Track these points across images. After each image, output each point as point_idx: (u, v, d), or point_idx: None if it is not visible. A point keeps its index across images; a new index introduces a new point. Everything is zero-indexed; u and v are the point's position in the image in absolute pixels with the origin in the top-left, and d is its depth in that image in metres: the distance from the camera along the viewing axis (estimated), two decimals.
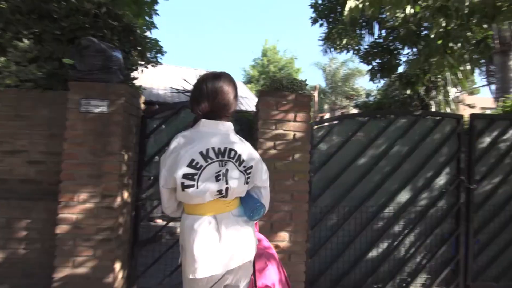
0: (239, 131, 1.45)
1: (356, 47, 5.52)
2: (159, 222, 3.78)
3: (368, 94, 9.52)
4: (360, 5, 2.92)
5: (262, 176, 1.33)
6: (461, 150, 2.80)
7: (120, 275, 2.34)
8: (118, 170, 2.26)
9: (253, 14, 72.95)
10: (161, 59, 4.09)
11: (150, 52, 3.86)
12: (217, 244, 1.17)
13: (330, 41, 5.39)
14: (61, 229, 2.19)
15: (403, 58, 4.89)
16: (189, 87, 6.86)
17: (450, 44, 3.09)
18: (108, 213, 2.22)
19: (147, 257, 2.62)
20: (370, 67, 5.56)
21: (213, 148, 1.20)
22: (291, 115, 2.33)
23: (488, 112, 5.09)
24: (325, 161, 2.62)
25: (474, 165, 2.80)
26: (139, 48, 3.31)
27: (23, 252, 2.33)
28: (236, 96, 1.30)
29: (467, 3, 2.64)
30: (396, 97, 6.19)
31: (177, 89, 6.90)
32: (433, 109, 5.84)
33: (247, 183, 1.27)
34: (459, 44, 3.07)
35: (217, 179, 1.19)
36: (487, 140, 2.88)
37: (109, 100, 2.27)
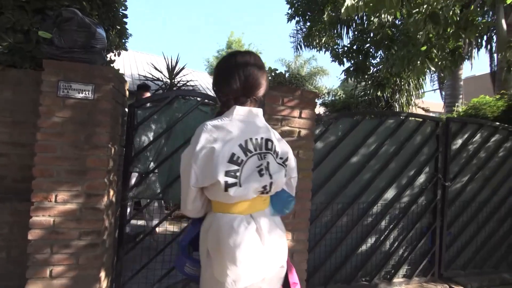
0: None
1: (334, 47, 5.66)
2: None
3: (334, 94, 9.87)
4: (356, 5, 2.93)
5: (295, 167, 1.25)
6: (439, 150, 3.01)
7: (105, 284, 2.06)
8: (105, 166, 1.96)
9: (218, 4, 71.09)
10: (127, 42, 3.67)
11: (126, 34, 3.46)
12: (260, 247, 1.02)
13: (310, 38, 5.43)
14: (34, 234, 1.84)
15: (376, 61, 5.13)
16: (158, 75, 6.42)
17: (434, 51, 3.30)
18: (94, 215, 1.92)
19: (134, 261, 2.35)
20: (346, 66, 5.73)
21: (251, 139, 1.04)
22: (296, 112, 2.25)
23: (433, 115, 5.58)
24: (321, 159, 2.61)
25: (449, 164, 3.03)
26: (119, 27, 2.93)
27: None
28: (267, 78, 1.15)
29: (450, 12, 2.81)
30: (362, 98, 6.51)
31: (145, 76, 6.41)
32: (397, 110, 6.25)
33: (285, 176, 1.14)
34: (439, 52, 3.30)
35: (260, 173, 1.03)
36: (459, 141, 3.13)
37: (95, 84, 1.95)
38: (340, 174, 2.67)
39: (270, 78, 2.26)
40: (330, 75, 19.88)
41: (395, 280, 2.81)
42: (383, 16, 3.02)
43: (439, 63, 3.38)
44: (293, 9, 6.35)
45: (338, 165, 2.67)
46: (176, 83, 6.56)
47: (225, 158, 0.98)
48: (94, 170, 1.93)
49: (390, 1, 2.70)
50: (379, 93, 5.19)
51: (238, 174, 1.00)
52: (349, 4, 2.95)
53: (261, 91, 1.11)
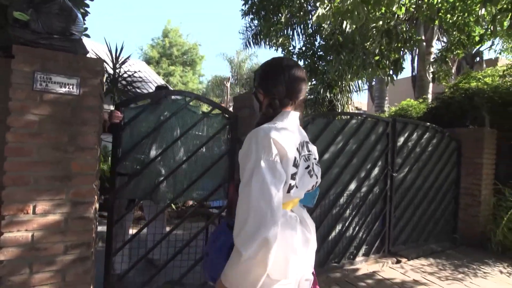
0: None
1: (288, 47, 5.93)
2: None
3: None
4: (327, 14, 3.17)
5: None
6: (388, 146, 3.51)
7: None
8: (93, 170, 1.75)
9: None
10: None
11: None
12: (308, 238, 1.05)
13: (268, 38, 5.57)
14: (8, 254, 1.54)
15: (324, 64, 5.59)
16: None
17: (383, 61, 3.80)
18: (82, 225, 1.71)
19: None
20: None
21: (301, 143, 1.06)
22: None
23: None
24: None
25: (395, 158, 3.57)
26: (83, 11, 2.56)
27: None
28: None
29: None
30: (308, 97, 7.01)
31: None
32: (339, 109, 6.92)
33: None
34: (387, 62, 3.82)
35: (310, 174, 1.08)
36: (402, 139, 3.71)
37: (80, 77, 1.71)
38: None
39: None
40: None
41: (357, 259, 3.21)
42: (344, 25, 3.34)
43: (385, 71, 3.93)
44: (247, 6, 6.39)
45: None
46: (121, 74, 5.96)
47: (291, 161, 0.99)
48: (81, 175, 1.71)
49: (356, 15, 3.01)
50: (327, 94, 5.70)
51: (295, 176, 1.02)
52: (321, 13, 3.17)
53: (303, 95, 1.14)
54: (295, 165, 1.01)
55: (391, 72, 3.98)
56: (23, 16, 1.54)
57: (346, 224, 3.17)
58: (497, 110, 4.28)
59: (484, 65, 9.30)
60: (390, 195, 3.51)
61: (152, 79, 8.52)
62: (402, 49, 3.54)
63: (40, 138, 1.62)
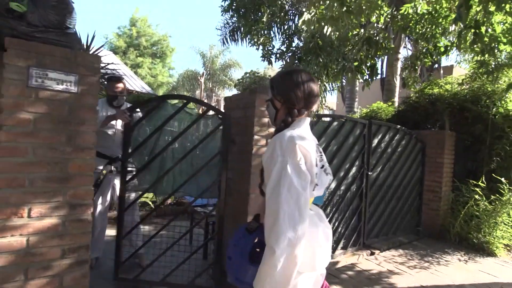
0: None
1: (268, 47, 6.02)
2: None
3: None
4: (312, 19, 3.32)
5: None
6: (365, 147, 3.78)
7: None
8: (91, 170, 1.71)
9: None
10: None
11: None
12: (328, 235, 1.17)
13: (250, 36, 5.61)
14: (1, 260, 1.46)
15: (304, 65, 5.79)
16: None
17: (362, 67, 4.05)
18: (80, 228, 1.66)
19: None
20: (273, 66, 6.18)
21: (317, 146, 1.20)
22: None
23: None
24: None
25: (370, 158, 3.85)
26: None
27: None
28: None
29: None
30: None
31: None
32: (314, 109, 7.19)
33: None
34: (364, 67, 4.09)
35: (326, 173, 1.19)
36: (375, 140, 4.00)
37: (78, 74, 1.65)
38: None
39: (256, 82, 2.36)
40: (243, 69, 20.60)
41: (336, 252, 3.43)
42: (325, 30, 3.51)
43: (363, 75, 4.20)
44: (227, 2, 6.37)
45: None
46: None
47: (314, 163, 1.09)
48: (79, 175, 1.66)
49: (340, 23, 3.19)
50: None
51: (317, 175, 1.13)
52: (306, 19, 3.30)
53: (316, 105, 1.27)
54: (316, 165, 1.12)
55: (367, 77, 4.27)
56: (20, 7, 1.45)
57: (327, 220, 3.37)
58: (456, 114, 4.78)
59: (442, 72, 10.21)
60: (366, 192, 3.78)
61: (123, 72, 8.12)
62: (377, 55, 3.83)
63: (35, 138, 1.54)
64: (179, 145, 2.52)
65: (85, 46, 5.57)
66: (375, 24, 3.74)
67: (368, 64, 4.03)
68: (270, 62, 6.62)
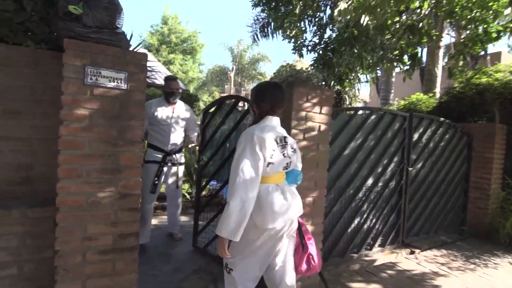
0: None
1: (300, 39, 5.90)
2: None
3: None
4: (349, 8, 3.18)
5: (300, 155, 1.79)
6: (405, 141, 3.59)
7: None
8: (139, 163, 1.80)
9: None
10: None
11: None
12: (285, 203, 1.55)
13: (282, 29, 5.54)
14: (63, 244, 1.60)
15: (338, 56, 5.60)
16: None
17: (404, 56, 3.83)
18: (130, 216, 1.76)
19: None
20: (305, 58, 6.05)
21: (278, 136, 1.58)
22: (317, 108, 2.40)
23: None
24: None
25: (410, 153, 3.65)
26: None
27: None
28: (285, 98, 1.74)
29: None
30: None
31: None
32: (346, 102, 6.96)
33: (296, 159, 1.70)
34: (405, 56, 3.86)
35: (284, 155, 1.58)
36: (416, 134, 3.78)
37: (127, 72, 1.73)
38: (337, 165, 2.96)
39: (292, 74, 2.34)
40: (272, 62, 20.47)
41: (374, 249, 3.33)
42: (362, 19, 3.35)
43: (403, 65, 3.97)
44: None
45: (336, 157, 2.96)
46: None
47: (269, 147, 1.51)
48: (129, 168, 1.75)
49: (379, 11, 3.02)
50: (339, 87, 5.74)
51: (273, 157, 1.53)
52: (342, 8, 3.17)
53: (281, 106, 1.68)
54: (273, 149, 1.53)
55: (407, 67, 4.02)
56: (77, 10, 1.54)
57: (364, 217, 3.27)
58: (507, 106, 4.37)
59: (489, 59, 9.37)
60: (405, 189, 3.61)
61: (159, 69, 8.43)
62: (421, 44, 3.58)
63: (91, 132, 1.65)
64: (233, 139, 2.83)
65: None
66: (418, 10, 3.49)
67: (409, 53, 3.78)
68: (301, 55, 6.49)
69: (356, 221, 3.20)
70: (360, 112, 3.39)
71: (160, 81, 11.04)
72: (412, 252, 3.48)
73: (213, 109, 3.16)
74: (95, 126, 1.66)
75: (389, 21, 3.93)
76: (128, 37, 5.98)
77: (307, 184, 2.37)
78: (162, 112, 3.00)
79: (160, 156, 2.97)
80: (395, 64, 3.99)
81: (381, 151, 3.38)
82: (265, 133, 1.51)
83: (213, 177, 3.05)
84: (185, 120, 3.16)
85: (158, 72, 9.29)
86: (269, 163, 1.52)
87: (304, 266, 1.64)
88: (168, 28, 21.86)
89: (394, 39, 3.47)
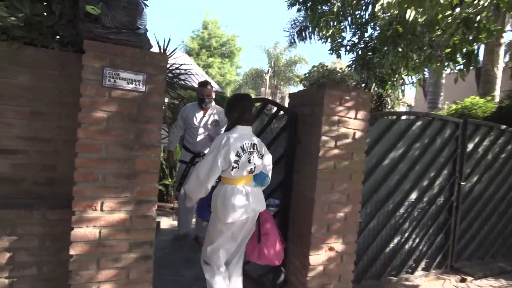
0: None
1: (338, 39, 5.57)
2: None
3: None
4: (392, 2, 2.84)
5: (269, 159, 1.98)
6: (457, 151, 3.12)
7: None
8: (156, 168, 1.71)
9: None
10: None
11: None
12: (246, 203, 1.79)
13: (318, 28, 5.28)
14: (77, 249, 1.56)
15: (379, 56, 5.16)
16: None
17: (457, 54, 3.36)
18: (145, 224, 1.68)
19: None
20: (342, 59, 5.69)
21: (246, 143, 1.79)
22: (352, 113, 2.14)
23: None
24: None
25: (464, 164, 3.16)
26: None
27: (7, 283, 1.59)
28: (254, 108, 1.95)
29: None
30: None
31: None
32: (389, 106, 6.41)
33: (262, 164, 1.90)
34: (457, 54, 3.38)
35: (249, 162, 1.80)
36: (471, 143, 3.27)
37: (146, 74, 1.66)
38: (375, 176, 2.64)
39: (324, 75, 2.11)
40: (309, 64, 20.03)
41: (416, 273, 2.92)
42: (408, 15, 2.97)
43: (456, 65, 3.48)
44: None
45: (373, 167, 2.63)
46: (169, 66, 6.05)
47: (234, 153, 1.73)
48: (145, 173, 1.67)
49: (428, 3, 2.64)
50: (380, 90, 5.29)
51: (238, 162, 1.76)
52: (385, 3, 2.84)
53: (249, 115, 1.88)
54: (238, 155, 1.75)
55: (461, 66, 3.51)
56: (95, 10, 1.50)
57: (406, 236, 2.89)
58: None
59: None
60: (456, 206, 3.13)
61: (195, 71, 8.60)
62: (478, 40, 3.08)
63: (108, 135, 1.59)
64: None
65: (162, 50, 6.04)
66: (475, 1, 3.01)
67: (463, 51, 3.28)
68: (339, 56, 6.11)
69: (395, 240, 2.83)
70: (404, 117, 3.02)
71: (197, 84, 11.38)
72: (463, 280, 3.00)
73: None
74: (112, 129, 1.60)
75: (440, 15, 3.47)
76: (167, 42, 6.07)
77: (339, 197, 2.11)
78: (194, 115, 3.11)
79: (189, 157, 3.07)
80: (446, 63, 3.50)
81: (428, 162, 2.97)
82: (231, 142, 1.74)
83: None
84: (218, 124, 3.16)
85: (195, 75, 9.51)
86: (233, 167, 1.74)
87: (255, 255, 1.92)
88: (208, 33, 22.50)
89: (445, 36, 3.03)
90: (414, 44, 4.89)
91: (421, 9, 2.81)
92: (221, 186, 1.81)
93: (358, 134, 2.16)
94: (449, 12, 2.93)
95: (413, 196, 2.91)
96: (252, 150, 1.79)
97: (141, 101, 1.65)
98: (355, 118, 2.15)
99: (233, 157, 1.71)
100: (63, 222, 1.65)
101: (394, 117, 2.86)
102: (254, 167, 1.81)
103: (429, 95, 7.77)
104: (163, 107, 1.76)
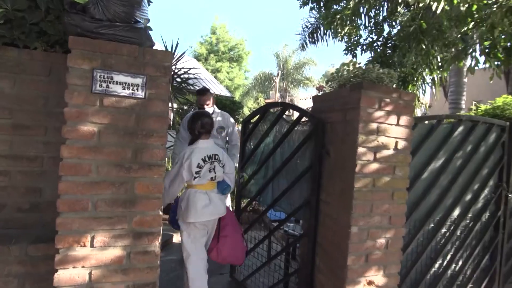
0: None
1: (355, 37, 5.19)
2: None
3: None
4: None
5: (231, 168, 2.14)
6: (504, 158, 2.69)
7: None
8: (159, 192, 1.37)
9: None
10: None
11: None
12: (208, 205, 1.96)
13: (333, 27, 4.92)
14: None
15: (400, 55, 4.76)
16: None
17: (498, 48, 2.94)
18: (146, 262, 1.35)
19: None
20: (357, 59, 5.30)
21: (207, 155, 1.97)
22: (393, 118, 1.77)
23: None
24: None
25: (511, 174, 2.73)
26: None
27: None
28: (212, 122, 2.10)
29: None
30: None
31: None
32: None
33: (223, 172, 2.07)
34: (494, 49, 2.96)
35: (209, 171, 1.98)
36: None
37: (146, 76, 1.33)
38: (412, 194, 2.24)
39: (357, 74, 1.76)
40: (318, 66, 19.56)
41: None
42: (435, 6, 2.59)
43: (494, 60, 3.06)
44: None
45: (411, 182, 2.23)
46: (177, 71, 5.79)
47: (195, 164, 1.92)
48: (146, 198, 1.34)
49: None
50: (402, 89, 4.88)
51: (200, 172, 1.94)
52: None
53: (210, 131, 2.08)
54: (199, 166, 1.94)
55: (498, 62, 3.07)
56: None
57: (448, 258, 2.47)
58: None
59: None
60: (503, 222, 2.70)
61: (203, 76, 8.33)
62: None
63: (99, 153, 1.27)
64: (278, 154, 2.32)
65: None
66: None
67: (502, 45, 2.86)
68: (354, 55, 5.72)
69: (437, 265, 2.42)
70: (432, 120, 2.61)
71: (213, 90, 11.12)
72: None
73: (255, 118, 2.64)
74: (105, 146, 1.28)
75: (475, 6, 3.06)
76: (174, 45, 5.79)
77: (379, 221, 1.74)
78: None
79: None
80: (481, 58, 3.07)
81: (471, 173, 2.55)
82: (192, 154, 1.93)
83: (255, 199, 2.56)
84: (223, 131, 3.00)
85: (203, 80, 9.23)
86: (195, 177, 1.92)
87: (213, 254, 2.06)
88: (216, 38, 22.32)
89: (482, 28, 2.63)
90: (439, 41, 4.48)
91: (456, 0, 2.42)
92: (186, 191, 2.03)
93: (401, 144, 1.79)
94: (485, 1, 2.53)
95: (456, 212, 2.50)
96: (213, 160, 1.99)
97: (140, 110, 1.33)
98: (397, 124, 1.77)
99: (194, 169, 1.89)
100: (48, 260, 1.33)
101: (434, 121, 2.45)
102: (215, 176, 2.00)
103: (450, 95, 7.25)
104: (168, 116, 1.43)
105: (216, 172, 1.98)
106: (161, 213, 1.39)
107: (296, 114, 2.18)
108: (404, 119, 1.79)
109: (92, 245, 1.27)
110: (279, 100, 17.79)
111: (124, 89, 1.29)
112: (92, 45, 1.26)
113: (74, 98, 1.24)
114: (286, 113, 2.71)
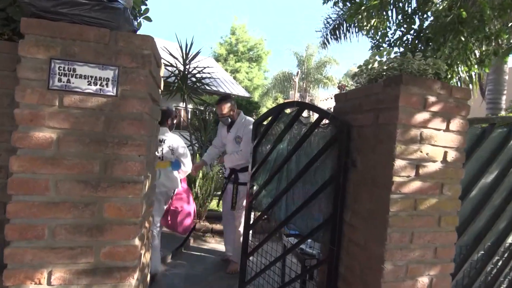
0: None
1: (383, 30, 4.69)
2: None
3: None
4: None
5: (181, 152, 2.64)
6: None
7: None
8: (137, 216, 1.06)
9: None
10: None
11: None
12: (160, 180, 2.48)
13: (358, 20, 4.46)
14: None
15: (435, 49, 4.21)
16: (171, 60, 5.40)
17: None
18: None
19: None
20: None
21: (160, 139, 2.49)
22: (442, 122, 1.35)
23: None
24: None
25: None
26: None
27: None
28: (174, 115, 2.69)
29: None
30: None
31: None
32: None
33: (172, 154, 2.59)
34: None
35: (158, 152, 2.45)
36: None
37: (119, 67, 1.03)
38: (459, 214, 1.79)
39: (392, 64, 1.39)
40: (339, 65, 18.82)
41: None
42: None
43: None
44: None
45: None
46: (191, 70, 5.55)
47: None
48: (117, 224, 1.04)
49: None
50: None
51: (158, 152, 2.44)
52: None
53: (169, 122, 2.63)
54: (158, 151, 2.39)
55: None
56: None
57: None
58: None
59: None
60: None
61: (220, 75, 8.08)
62: None
63: (58, 167, 0.98)
64: (294, 161, 1.94)
65: (184, 54, 5.55)
66: None
67: None
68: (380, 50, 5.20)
69: None
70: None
71: (223, 89, 10.85)
72: None
73: (268, 120, 2.28)
74: (65, 157, 0.99)
75: None
76: (189, 44, 5.70)
77: (421, 254, 1.33)
78: (221, 132, 3.04)
79: (227, 172, 3.03)
80: None
81: None
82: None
83: (266, 213, 2.21)
84: (240, 140, 2.87)
85: (219, 79, 8.98)
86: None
87: (164, 221, 2.74)
88: (235, 38, 22.12)
89: None
90: (479, 32, 3.90)
91: None
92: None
93: (451, 155, 1.37)
94: None
95: (511, 239, 2.01)
96: (162, 143, 2.51)
97: (110, 112, 1.02)
98: (447, 129, 1.36)
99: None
100: None
101: (485, 125, 1.99)
102: (162, 156, 2.50)
103: (488, 94, 6.49)
104: (149, 119, 1.12)
105: (164, 154, 2.54)
106: (140, 242, 1.08)
107: (315, 116, 1.80)
108: (455, 123, 1.37)
109: (49, 283, 0.99)
110: (299, 101, 17.23)
111: (90, 84, 1.00)
112: (49, 28, 0.97)
113: (27, 96, 0.97)
114: (304, 114, 2.32)
